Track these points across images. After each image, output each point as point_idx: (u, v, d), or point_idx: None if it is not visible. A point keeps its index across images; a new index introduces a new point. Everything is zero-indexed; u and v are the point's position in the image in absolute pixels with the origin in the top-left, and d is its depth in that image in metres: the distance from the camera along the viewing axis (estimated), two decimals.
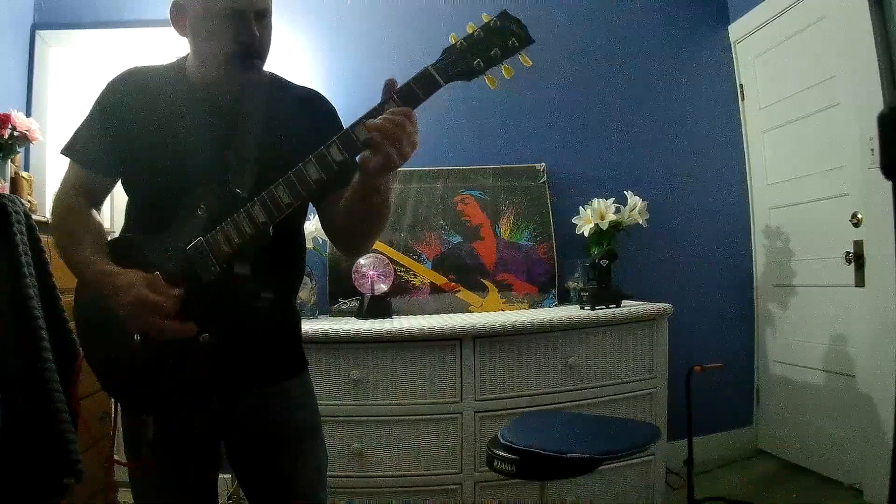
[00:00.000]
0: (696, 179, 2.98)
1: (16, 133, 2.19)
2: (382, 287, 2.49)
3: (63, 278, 1.51)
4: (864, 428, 2.29)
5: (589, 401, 2.18)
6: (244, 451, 1.19)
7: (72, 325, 1.63)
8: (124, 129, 1.10)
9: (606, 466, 1.72)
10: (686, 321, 2.62)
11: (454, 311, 2.57)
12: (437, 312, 2.56)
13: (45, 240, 1.64)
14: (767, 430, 2.92)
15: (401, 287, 2.60)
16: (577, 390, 2.17)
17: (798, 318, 2.74)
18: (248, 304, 1.03)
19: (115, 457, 1.33)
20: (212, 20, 1.05)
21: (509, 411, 2.08)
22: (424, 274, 2.64)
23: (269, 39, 1.12)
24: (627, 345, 2.27)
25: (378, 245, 2.62)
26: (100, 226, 1.12)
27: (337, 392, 2.07)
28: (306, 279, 2.45)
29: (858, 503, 2.26)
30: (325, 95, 1.24)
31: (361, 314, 2.45)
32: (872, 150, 2.17)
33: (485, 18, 0.95)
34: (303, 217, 1.23)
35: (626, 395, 2.24)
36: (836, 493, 2.37)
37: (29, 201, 2.26)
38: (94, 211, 1.14)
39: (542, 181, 2.80)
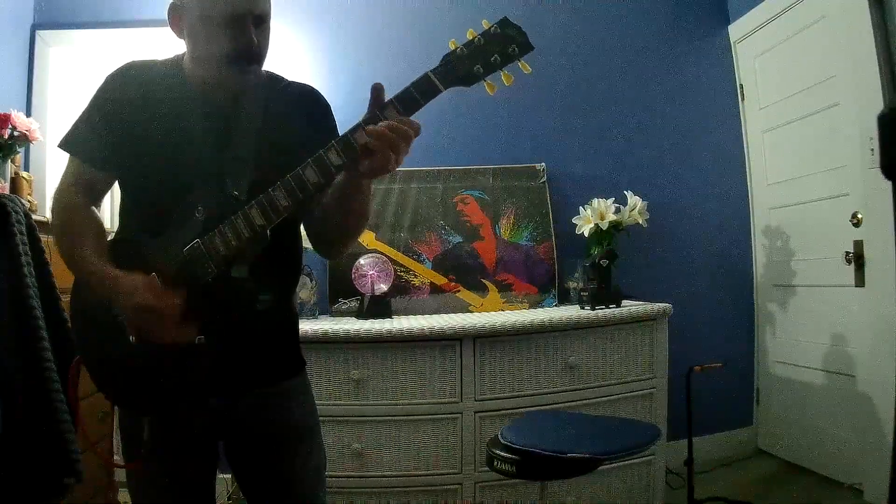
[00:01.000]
0: (697, 179, 2.98)
1: (16, 133, 2.19)
2: (382, 287, 2.49)
3: (63, 278, 1.51)
4: (864, 428, 2.29)
5: (589, 401, 2.18)
6: (243, 452, 1.19)
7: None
8: (122, 124, 1.09)
9: (606, 466, 1.71)
10: (686, 321, 2.62)
11: (454, 311, 2.57)
12: (437, 312, 2.56)
13: (45, 240, 1.64)
14: (767, 430, 2.92)
15: (401, 287, 2.60)
16: (577, 390, 2.17)
17: (798, 318, 2.74)
18: (245, 307, 1.03)
19: (116, 458, 1.33)
20: (209, 24, 1.04)
21: (509, 411, 2.08)
22: (424, 274, 2.64)
23: (267, 44, 1.11)
24: (627, 345, 2.27)
25: (378, 245, 2.62)
26: (100, 225, 1.11)
27: (337, 392, 2.07)
28: (306, 279, 2.46)
29: (858, 503, 2.26)
30: (320, 92, 1.23)
31: (361, 314, 2.45)
32: (872, 150, 2.17)
33: (485, 25, 0.95)
34: (300, 218, 1.22)
35: (626, 395, 2.24)
36: (836, 493, 2.37)
37: (29, 201, 2.26)
38: (94, 208, 1.13)
39: (542, 181, 2.79)
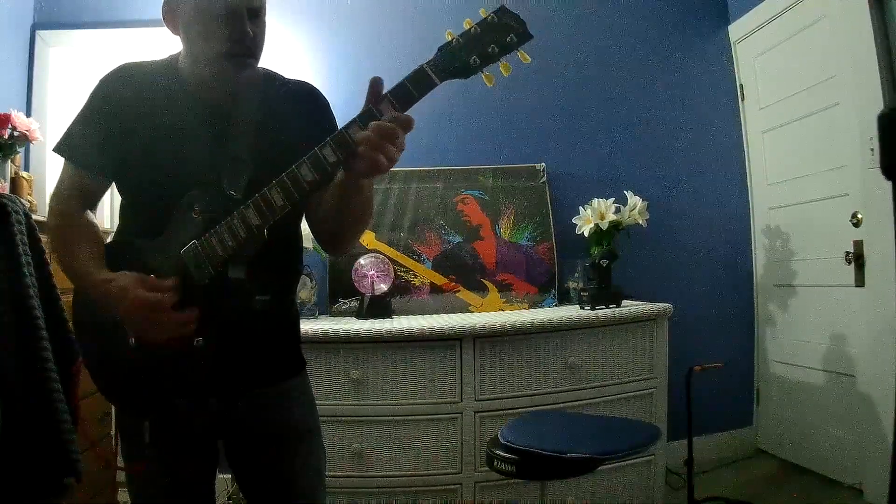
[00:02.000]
0: (697, 179, 2.98)
1: (16, 133, 2.19)
2: (382, 287, 2.49)
3: (63, 278, 1.51)
4: (864, 428, 2.29)
5: (589, 401, 2.18)
6: (243, 452, 1.19)
7: (71, 325, 1.63)
8: (117, 127, 1.08)
9: (606, 466, 1.71)
10: (686, 321, 2.62)
11: (454, 311, 2.57)
12: (437, 312, 2.56)
13: (45, 240, 1.64)
14: (767, 430, 2.92)
15: (401, 287, 2.60)
16: (577, 390, 2.17)
17: (798, 318, 2.74)
18: (243, 307, 1.03)
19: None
20: (204, 19, 1.04)
21: (509, 411, 2.08)
22: (424, 274, 2.64)
23: (263, 38, 1.10)
24: (627, 345, 2.27)
25: (378, 245, 2.62)
26: (94, 230, 1.11)
27: (337, 392, 2.07)
28: (306, 279, 2.45)
29: (858, 503, 2.26)
30: (318, 89, 1.22)
31: (361, 314, 2.45)
32: (872, 150, 2.17)
33: (482, 14, 0.93)
34: (299, 217, 1.21)
35: (626, 395, 2.24)
36: (836, 493, 2.37)
37: (29, 201, 2.27)
38: (89, 212, 1.13)
39: (542, 181, 2.79)
